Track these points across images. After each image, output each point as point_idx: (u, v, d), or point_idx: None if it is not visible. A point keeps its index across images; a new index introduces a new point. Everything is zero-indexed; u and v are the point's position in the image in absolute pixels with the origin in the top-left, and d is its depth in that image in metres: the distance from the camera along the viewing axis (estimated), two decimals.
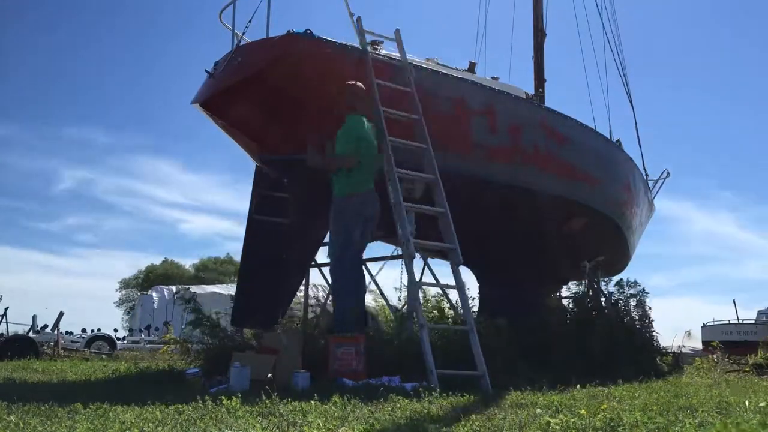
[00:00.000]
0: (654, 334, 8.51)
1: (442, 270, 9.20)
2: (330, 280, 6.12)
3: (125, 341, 17.12)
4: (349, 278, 6.05)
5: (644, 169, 11.33)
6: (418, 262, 7.41)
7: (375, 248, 8.72)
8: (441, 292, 8.01)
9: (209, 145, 66.93)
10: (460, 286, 5.95)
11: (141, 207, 64.63)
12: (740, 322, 21.98)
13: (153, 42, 63.89)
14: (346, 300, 5.98)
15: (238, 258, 10.60)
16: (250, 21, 6.44)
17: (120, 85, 65.60)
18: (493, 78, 8.32)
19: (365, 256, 8.49)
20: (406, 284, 6.97)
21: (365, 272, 6.36)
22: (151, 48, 64.52)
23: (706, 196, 66.72)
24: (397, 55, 6.82)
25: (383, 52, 6.87)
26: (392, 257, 8.09)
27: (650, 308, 8.58)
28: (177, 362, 7.54)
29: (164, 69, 66.57)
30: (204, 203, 68.33)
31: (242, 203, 65.40)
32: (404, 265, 5.95)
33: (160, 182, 64.96)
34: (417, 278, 7.61)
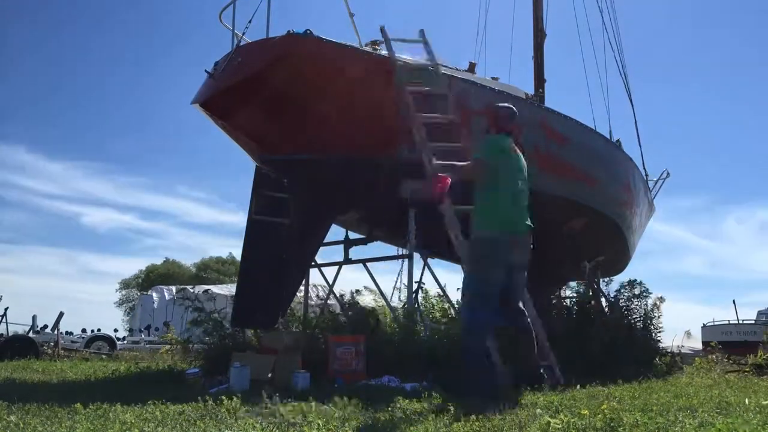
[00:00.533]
0: (654, 334, 8.51)
1: (445, 270, 9.25)
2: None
3: (125, 341, 17.12)
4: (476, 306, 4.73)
5: (644, 169, 11.34)
6: (417, 263, 7.42)
7: (375, 248, 8.74)
8: (442, 292, 8.04)
9: (66, 130, 63.85)
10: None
11: (26, 199, 60.11)
12: (740, 322, 21.97)
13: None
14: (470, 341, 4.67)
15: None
16: (250, 21, 6.45)
17: None
18: (493, 78, 8.32)
19: (366, 255, 8.55)
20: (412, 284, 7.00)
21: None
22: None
23: None
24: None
25: (383, 52, 6.88)
26: (394, 257, 8.10)
27: (656, 308, 8.57)
28: (177, 362, 7.55)
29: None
30: (88, 194, 63.63)
31: (130, 194, 61.85)
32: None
33: (29, 172, 59.98)
34: (416, 278, 7.62)
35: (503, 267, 4.67)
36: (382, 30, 6.61)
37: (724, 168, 68.83)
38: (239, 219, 54.89)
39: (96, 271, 65.18)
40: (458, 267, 7.46)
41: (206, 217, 65.70)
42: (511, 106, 5.21)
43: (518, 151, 5.04)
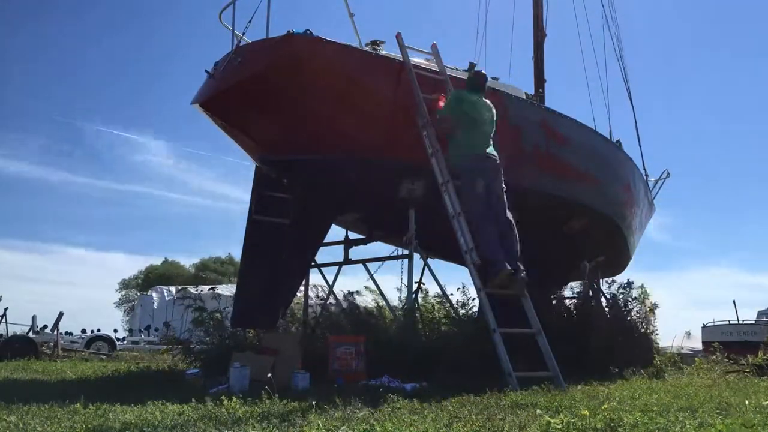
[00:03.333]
0: (653, 335, 8.52)
1: (445, 270, 9.23)
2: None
3: (125, 342, 17.13)
4: (480, 226, 5.99)
5: (644, 169, 11.32)
6: (417, 263, 7.41)
7: (375, 248, 8.74)
8: (441, 293, 8.02)
9: None
10: (524, 294, 5.97)
11: None
12: (740, 322, 21.94)
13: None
14: (487, 244, 5.90)
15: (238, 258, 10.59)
16: (250, 21, 6.44)
17: None
18: (493, 78, 8.30)
19: (367, 255, 8.55)
20: (424, 286, 7.00)
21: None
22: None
23: None
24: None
25: (383, 52, 6.88)
26: (394, 257, 8.10)
27: (654, 308, 8.58)
28: (177, 363, 7.55)
29: None
30: None
31: None
32: (469, 273, 5.90)
33: None
34: (416, 278, 7.61)
35: (480, 179, 6.06)
36: (398, 36, 6.64)
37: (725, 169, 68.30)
38: None
39: None
40: (458, 267, 7.44)
41: None
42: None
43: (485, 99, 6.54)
